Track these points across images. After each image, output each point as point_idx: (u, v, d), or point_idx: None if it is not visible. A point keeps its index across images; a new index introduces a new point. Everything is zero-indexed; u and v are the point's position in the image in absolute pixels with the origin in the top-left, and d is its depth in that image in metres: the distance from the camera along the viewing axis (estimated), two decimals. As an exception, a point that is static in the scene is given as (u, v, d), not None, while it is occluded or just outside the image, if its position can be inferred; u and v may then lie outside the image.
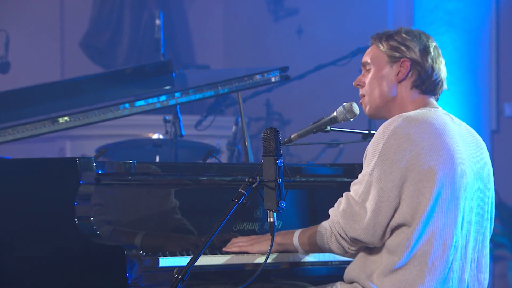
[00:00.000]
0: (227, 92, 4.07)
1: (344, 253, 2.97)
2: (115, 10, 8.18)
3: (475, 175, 2.95)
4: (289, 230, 3.18)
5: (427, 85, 2.98)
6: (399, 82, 2.98)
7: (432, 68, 2.97)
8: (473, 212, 2.94)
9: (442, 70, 3.00)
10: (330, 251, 2.99)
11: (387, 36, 3.00)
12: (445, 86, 3.03)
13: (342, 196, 2.97)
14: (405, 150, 2.84)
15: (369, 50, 3.04)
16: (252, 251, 3.20)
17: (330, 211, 2.97)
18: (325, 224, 2.98)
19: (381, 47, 2.99)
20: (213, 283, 3.22)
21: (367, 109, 3.05)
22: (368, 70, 3.03)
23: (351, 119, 3.30)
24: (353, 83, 3.08)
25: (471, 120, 6.43)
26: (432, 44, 2.99)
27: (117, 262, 3.00)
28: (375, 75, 3.00)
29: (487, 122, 6.95)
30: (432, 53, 2.97)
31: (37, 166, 3.37)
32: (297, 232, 3.12)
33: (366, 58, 3.04)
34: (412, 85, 2.98)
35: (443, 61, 3.01)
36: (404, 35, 2.98)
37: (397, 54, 2.97)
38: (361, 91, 3.05)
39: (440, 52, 3.01)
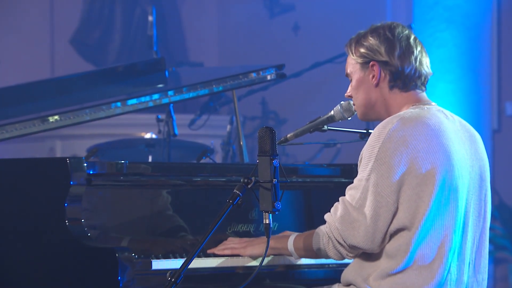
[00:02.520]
0: (221, 90, 4.06)
1: (342, 258, 2.94)
2: (106, 6, 8.17)
3: (470, 174, 2.93)
4: (284, 233, 3.15)
5: (403, 80, 2.95)
6: (376, 85, 2.97)
7: (402, 63, 2.93)
8: (470, 212, 2.92)
9: (416, 58, 2.94)
10: (326, 257, 2.96)
11: (355, 42, 3.00)
12: (426, 73, 2.97)
13: (338, 199, 2.94)
14: (402, 153, 2.81)
15: (347, 60, 3.07)
16: (244, 254, 3.19)
17: (326, 216, 2.93)
18: (322, 229, 2.94)
19: (353, 57, 3.01)
20: (207, 286, 3.22)
21: (358, 116, 3.07)
22: (351, 80, 3.05)
23: (349, 118, 3.30)
24: (345, 95, 3.09)
25: (472, 119, 6.40)
26: (399, 37, 2.94)
27: (108, 265, 2.98)
28: (356, 84, 3.01)
29: (488, 121, 6.93)
30: (398, 47, 2.93)
31: (27, 166, 3.35)
32: (292, 237, 3.09)
33: (346, 69, 3.06)
34: (389, 86, 2.96)
35: (416, 50, 2.95)
36: (370, 37, 2.96)
37: (366, 60, 2.97)
38: (353, 100, 3.08)
39: (411, 39, 2.96)
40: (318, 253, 2.96)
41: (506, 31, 6.99)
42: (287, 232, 3.17)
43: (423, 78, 2.96)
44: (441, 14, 6.82)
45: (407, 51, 2.93)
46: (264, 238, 3.10)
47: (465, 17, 6.87)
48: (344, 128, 3.45)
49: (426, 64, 2.97)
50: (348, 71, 3.03)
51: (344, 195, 2.91)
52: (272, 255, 3.17)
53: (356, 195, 2.84)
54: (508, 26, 6.99)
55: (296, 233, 3.09)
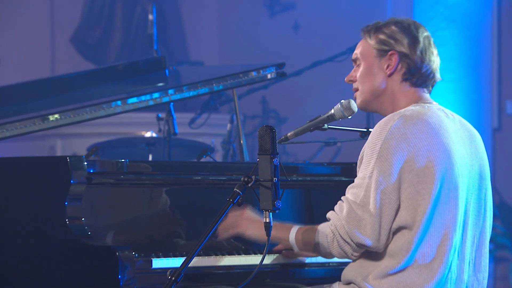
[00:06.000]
0: (222, 89, 4.06)
1: (345, 257, 2.91)
2: (106, 4, 8.17)
3: (470, 173, 2.92)
4: (285, 223, 3.09)
5: (417, 77, 2.95)
6: (389, 75, 2.96)
7: (422, 60, 2.94)
8: (469, 211, 2.91)
9: (434, 61, 2.96)
10: (330, 255, 2.93)
11: (376, 29, 2.97)
12: (437, 77, 3.00)
13: (340, 197, 2.92)
14: (403, 151, 2.81)
15: (359, 44, 3.03)
16: (245, 233, 3.10)
17: (331, 215, 2.90)
18: (325, 228, 2.90)
19: (369, 41, 2.97)
20: (207, 284, 3.22)
21: (358, 103, 3.03)
22: (358, 65, 3.01)
23: (349, 117, 3.28)
24: (345, 79, 3.06)
25: (472, 118, 6.40)
26: (423, 35, 2.95)
27: (109, 264, 2.98)
28: (365, 70, 2.98)
29: (489, 120, 6.92)
30: (421, 44, 2.93)
31: (27, 165, 3.35)
32: (294, 230, 3.05)
33: (356, 53, 3.02)
34: (402, 78, 2.95)
35: (435, 52, 2.97)
36: (393, 27, 2.95)
37: (385, 47, 2.95)
38: (354, 86, 3.04)
39: (432, 41, 2.98)
40: (319, 251, 2.94)
41: (507, 29, 6.98)
42: (280, 224, 3.08)
43: (433, 80, 2.98)
44: (441, 13, 6.81)
45: (428, 50, 2.94)
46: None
47: (465, 16, 6.86)
48: (344, 127, 3.44)
49: (438, 69, 2.98)
50: (359, 55, 3.00)
51: (344, 194, 2.90)
52: (272, 242, 3.10)
53: (360, 193, 2.83)
54: (508, 24, 6.98)
55: (298, 226, 3.04)
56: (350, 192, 2.86)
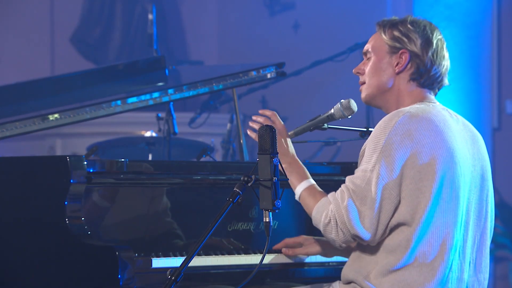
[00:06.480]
0: (221, 88, 4.06)
1: (332, 242, 2.89)
2: (106, 4, 8.17)
3: (472, 174, 2.93)
4: (303, 168, 3.08)
5: (425, 79, 2.96)
6: (397, 73, 2.97)
7: (432, 63, 2.95)
8: (471, 211, 2.92)
9: (444, 65, 2.97)
10: (317, 227, 2.92)
11: (391, 25, 2.99)
12: (445, 81, 3.00)
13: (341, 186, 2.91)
14: (407, 147, 2.82)
15: (372, 37, 3.04)
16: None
17: (333, 199, 2.89)
18: (325, 207, 2.89)
19: (383, 36, 2.99)
20: (207, 284, 3.22)
21: (363, 96, 3.04)
22: (369, 59, 3.02)
23: (349, 116, 3.27)
24: (353, 71, 3.07)
25: (472, 118, 6.38)
26: (437, 38, 2.97)
27: (109, 263, 2.99)
28: (375, 64, 2.99)
29: (489, 119, 6.91)
30: (434, 46, 2.95)
31: (27, 164, 3.35)
32: (303, 185, 3.03)
33: (368, 46, 3.03)
34: (410, 78, 2.97)
35: (446, 55, 2.99)
36: (409, 26, 2.97)
37: (397, 45, 2.96)
38: (361, 78, 3.05)
39: (444, 45, 3.00)
40: (312, 220, 2.94)
41: (506, 29, 6.97)
42: (303, 170, 3.08)
43: (440, 84, 3.00)
44: (441, 12, 6.80)
45: (440, 53, 2.96)
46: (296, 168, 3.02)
47: (465, 15, 6.85)
48: (344, 127, 3.45)
49: (447, 72, 3.00)
50: (370, 48, 3.01)
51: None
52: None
53: (360, 186, 2.84)
54: (508, 24, 6.97)
55: (311, 184, 3.04)
56: (351, 183, 2.87)
